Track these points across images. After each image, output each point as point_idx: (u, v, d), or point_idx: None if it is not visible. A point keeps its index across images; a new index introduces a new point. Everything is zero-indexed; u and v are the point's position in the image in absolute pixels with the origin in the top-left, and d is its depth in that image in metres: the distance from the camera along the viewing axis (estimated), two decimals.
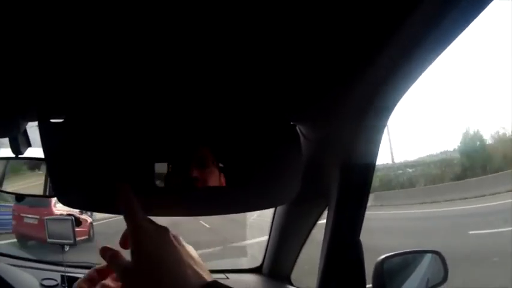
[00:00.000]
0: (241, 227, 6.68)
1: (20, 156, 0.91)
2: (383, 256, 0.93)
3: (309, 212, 1.08)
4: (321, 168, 0.90)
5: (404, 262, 1.01)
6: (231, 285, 1.18)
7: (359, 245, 0.89)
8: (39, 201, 5.20)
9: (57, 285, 1.26)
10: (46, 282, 1.30)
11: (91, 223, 6.69)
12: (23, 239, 5.59)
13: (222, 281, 1.27)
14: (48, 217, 1.48)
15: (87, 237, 6.30)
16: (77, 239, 4.55)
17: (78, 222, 1.24)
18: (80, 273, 1.31)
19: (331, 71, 0.57)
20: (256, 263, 1.35)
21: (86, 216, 6.30)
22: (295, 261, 1.21)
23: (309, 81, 0.59)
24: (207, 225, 8.19)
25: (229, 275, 1.32)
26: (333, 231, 0.89)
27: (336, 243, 0.90)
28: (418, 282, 1.01)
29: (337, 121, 0.75)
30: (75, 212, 7.22)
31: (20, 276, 1.34)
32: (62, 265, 1.26)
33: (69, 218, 1.37)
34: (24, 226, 5.53)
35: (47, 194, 0.92)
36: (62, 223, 1.45)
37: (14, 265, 1.43)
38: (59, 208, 5.04)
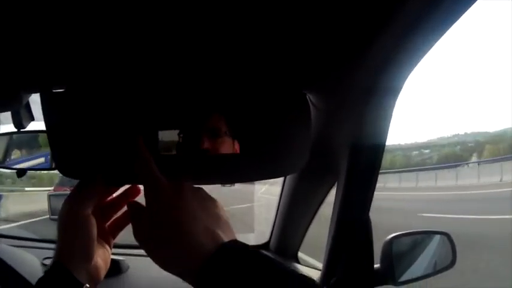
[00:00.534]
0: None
1: (22, 130, 0.92)
2: (391, 235, 0.93)
3: (318, 188, 1.07)
4: (330, 143, 0.90)
5: (413, 242, 1.00)
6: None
7: (368, 223, 0.89)
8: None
9: None
10: (48, 261, 1.28)
11: None
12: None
13: None
14: (51, 193, 1.45)
15: None
16: None
17: None
18: None
19: (342, 42, 0.56)
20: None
21: None
22: (302, 238, 1.21)
23: (319, 51, 0.58)
24: None
25: None
26: (341, 208, 0.89)
27: (344, 221, 0.90)
28: (426, 265, 1.00)
29: (348, 93, 0.74)
30: None
31: (20, 256, 1.32)
32: None
33: None
34: None
35: (53, 166, 0.92)
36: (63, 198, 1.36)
37: (15, 245, 1.42)
38: None
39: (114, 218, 0.56)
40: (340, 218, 0.90)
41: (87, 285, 0.46)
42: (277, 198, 1.25)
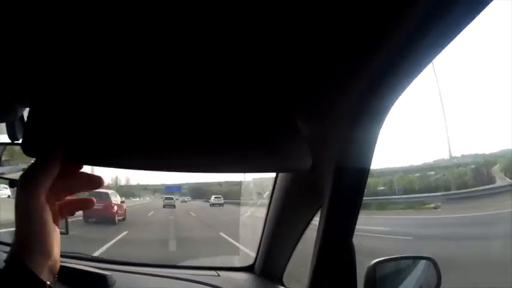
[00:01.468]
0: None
1: (16, 142, 0.92)
2: (375, 260, 0.92)
3: (303, 211, 1.07)
4: (315, 168, 0.90)
5: (397, 267, 1.00)
6: (221, 283, 1.19)
7: (351, 247, 0.88)
8: (101, 195, 8.62)
9: None
10: None
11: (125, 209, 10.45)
12: (88, 218, 8.56)
13: (212, 278, 1.26)
14: None
15: (123, 217, 9.92)
16: (117, 218, 8.97)
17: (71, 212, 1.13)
18: (72, 263, 1.31)
19: (326, 71, 0.58)
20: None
21: (123, 204, 10.56)
22: (287, 261, 1.20)
23: (303, 79, 0.60)
24: (193, 214, 13.19)
25: (221, 273, 1.32)
26: (325, 231, 0.88)
27: (327, 244, 0.89)
28: None
29: (332, 121, 0.75)
30: (118, 199, 9.61)
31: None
32: None
33: None
34: (92, 210, 7.26)
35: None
36: None
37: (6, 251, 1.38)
38: (114, 199, 9.55)
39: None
40: (323, 241, 0.89)
41: (48, 283, 0.44)
42: (262, 220, 1.25)
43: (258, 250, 1.26)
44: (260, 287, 1.23)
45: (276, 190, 1.13)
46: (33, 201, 0.44)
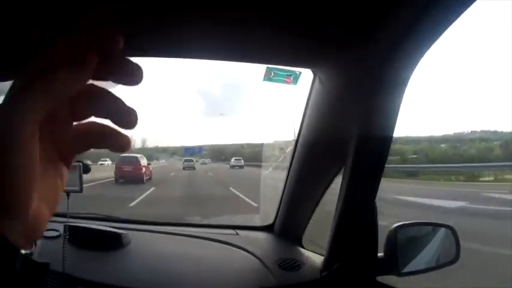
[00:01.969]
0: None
1: None
2: (396, 224, 0.92)
3: (324, 172, 1.06)
4: (339, 128, 0.90)
5: (418, 233, 0.99)
6: (240, 242, 1.19)
7: (374, 208, 0.89)
8: (131, 159, 9.98)
9: (59, 235, 1.25)
10: (47, 233, 1.28)
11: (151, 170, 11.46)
12: (120, 179, 10.14)
13: (231, 237, 1.28)
14: None
15: (149, 177, 10.93)
16: (145, 178, 10.29)
17: (86, 169, 1.24)
18: (84, 224, 1.34)
19: (352, 20, 0.57)
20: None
21: (149, 165, 11.70)
22: (307, 222, 1.20)
23: (329, 27, 0.58)
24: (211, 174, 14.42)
25: (240, 231, 1.34)
26: (346, 194, 0.89)
27: (350, 205, 0.90)
28: (429, 258, 0.99)
29: (357, 76, 0.74)
30: (145, 161, 11.04)
31: None
32: (65, 216, 1.23)
33: (76, 164, 1.20)
34: (123, 172, 10.15)
35: None
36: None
37: None
38: (142, 162, 10.60)
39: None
40: (345, 204, 0.89)
41: (23, 252, 0.28)
42: (280, 182, 1.25)
43: (278, 210, 1.26)
44: (279, 247, 1.23)
45: (298, 150, 1.12)
46: (16, 123, 0.26)
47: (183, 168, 17.36)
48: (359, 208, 0.88)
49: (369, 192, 0.89)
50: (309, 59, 0.81)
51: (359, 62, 0.71)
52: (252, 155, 20.24)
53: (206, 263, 1.16)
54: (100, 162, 15.61)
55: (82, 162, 1.20)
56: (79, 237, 1.24)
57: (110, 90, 0.31)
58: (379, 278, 0.95)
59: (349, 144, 0.86)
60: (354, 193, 0.89)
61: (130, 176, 9.99)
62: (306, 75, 0.97)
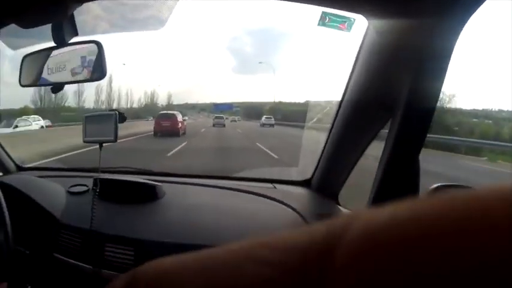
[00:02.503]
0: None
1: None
2: (438, 184, 0.84)
3: (369, 125, 1.01)
4: (390, 73, 0.85)
5: None
6: (278, 196, 1.17)
7: (417, 163, 0.86)
8: (169, 115, 12.09)
9: (87, 190, 1.24)
10: (74, 189, 1.28)
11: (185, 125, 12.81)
12: (158, 132, 11.41)
13: (268, 190, 1.24)
14: (87, 114, 1.22)
15: (184, 132, 12.09)
16: (180, 132, 11.86)
17: (122, 118, 1.17)
18: (120, 177, 1.31)
19: None
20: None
21: (184, 121, 13.20)
22: (346, 178, 1.17)
23: None
24: (240, 131, 14.85)
25: (277, 185, 1.32)
26: (392, 147, 0.85)
27: (393, 160, 0.86)
28: None
29: (411, 19, 0.72)
30: (181, 117, 12.91)
31: (43, 186, 1.29)
32: (96, 171, 1.22)
33: (112, 112, 1.14)
34: (161, 126, 11.46)
35: (91, 78, 0.89)
36: (102, 119, 1.18)
37: (42, 176, 1.41)
38: (179, 118, 12.07)
39: None
40: (389, 157, 0.86)
41: None
42: (315, 142, 1.21)
43: (317, 166, 1.23)
44: (317, 202, 1.21)
45: (343, 106, 1.07)
46: None
47: (213, 125, 17.53)
48: (404, 161, 0.85)
49: (415, 146, 0.84)
50: (367, 4, 0.78)
51: (416, 16, 0.70)
52: (286, 113, 20.09)
53: (242, 216, 1.12)
54: (145, 119, 18.76)
55: (118, 111, 1.14)
56: (110, 191, 1.21)
57: None
58: None
59: (400, 93, 0.82)
60: (400, 147, 0.85)
61: (167, 131, 11.20)
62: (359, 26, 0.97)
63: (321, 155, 1.20)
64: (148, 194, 1.20)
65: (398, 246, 0.15)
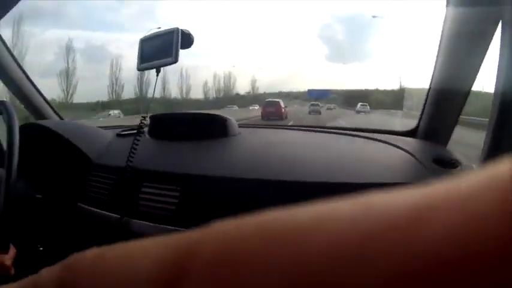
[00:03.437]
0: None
1: None
2: None
3: (478, 39, 0.87)
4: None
5: None
6: (384, 138, 1.03)
7: None
8: (274, 103, 15.09)
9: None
10: (124, 132, 1.19)
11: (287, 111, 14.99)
12: (265, 117, 13.59)
13: (372, 135, 1.14)
14: (143, 37, 0.95)
15: (286, 116, 14.26)
16: (283, 116, 15.46)
17: (187, 38, 0.85)
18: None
19: None
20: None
21: (286, 107, 15.57)
22: (454, 125, 1.06)
23: None
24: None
25: (380, 135, 1.20)
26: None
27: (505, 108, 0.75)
28: None
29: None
30: (283, 104, 15.76)
31: (88, 132, 1.17)
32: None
33: (173, 28, 0.87)
34: (268, 112, 13.87)
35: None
36: (161, 39, 0.90)
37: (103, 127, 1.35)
38: (282, 105, 15.31)
39: None
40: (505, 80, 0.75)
41: None
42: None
43: (422, 114, 1.14)
44: (427, 147, 1.06)
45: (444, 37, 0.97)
46: None
47: (309, 113, 17.44)
48: None
49: None
50: None
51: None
52: (382, 100, 19.01)
53: (341, 154, 0.96)
54: (251, 107, 21.60)
55: (181, 29, 0.90)
56: (163, 129, 1.09)
57: None
58: None
59: None
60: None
61: (273, 115, 13.73)
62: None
63: (425, 103, 1.12)
64: (212, 129, 1.05)
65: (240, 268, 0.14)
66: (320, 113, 17.78)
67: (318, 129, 1.30)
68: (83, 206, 0.97)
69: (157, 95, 25.44)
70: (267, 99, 17.00)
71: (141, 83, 25.57)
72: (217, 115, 1.11)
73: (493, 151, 0.80)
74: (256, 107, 18.89)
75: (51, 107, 1.46)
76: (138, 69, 0.93)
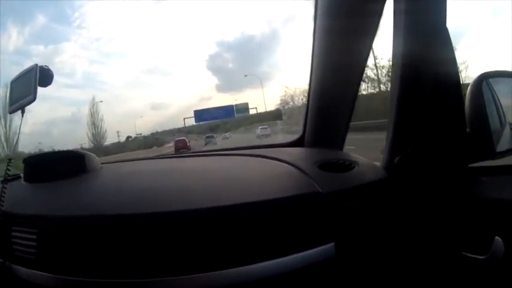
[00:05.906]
0: None
1: None
2: (482, 73, 0.67)
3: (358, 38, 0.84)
4: None
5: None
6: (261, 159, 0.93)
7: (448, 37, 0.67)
8: (181, 140, 15.94)
9: (18, 177, 1.05)
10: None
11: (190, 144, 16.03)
12: (176, 149, 13.90)
13: (266, 151, 0.98)
14: (11, 80, 0.98)
15: (189, 148, 14.27)
16: (188, 147, 14.23)
17: (45, 73, 0.86)
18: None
19: None
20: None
21: (189, 142, 16.98)
22: (346, 125, 0.98)
23: None
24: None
25: (265, 149, 1.09)
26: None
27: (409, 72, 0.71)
28: None
29: None
30: (187, 139, 17.21)
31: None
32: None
33: (32, 66, 0.89)
34: (178, 145, 14.56)
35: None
36: (24, 79, 0.92)
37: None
38: (187, 140, 16.53)
39: None
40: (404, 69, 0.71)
41: None
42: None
43: (305, 120, 1.05)
44: (311, 156, 0.95)
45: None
46: None
47: (205, 144, 18.17)
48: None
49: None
50: None
51: None
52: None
53: (220, 174, 0.90)
54: (167, 145, 20.00)
55: (39, 66, 0.90)
56: (36, 170, 1.02)
57: None
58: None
59: None
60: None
61: (182, 148, 14.98)
62: None
63: (306, 111, 1.04)
64: (71, 166, 1.01)
65: None
66: (215, 143, 18.53)
67: (197, 153, 1.28)
68: None
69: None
70: (176, 139, 19.30)
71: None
72: (75, 151, 1.10)
73: (393, 149, 0.76)
74: (171, 144, 20.89)
75: None
76: (9, 113, 0.95)
